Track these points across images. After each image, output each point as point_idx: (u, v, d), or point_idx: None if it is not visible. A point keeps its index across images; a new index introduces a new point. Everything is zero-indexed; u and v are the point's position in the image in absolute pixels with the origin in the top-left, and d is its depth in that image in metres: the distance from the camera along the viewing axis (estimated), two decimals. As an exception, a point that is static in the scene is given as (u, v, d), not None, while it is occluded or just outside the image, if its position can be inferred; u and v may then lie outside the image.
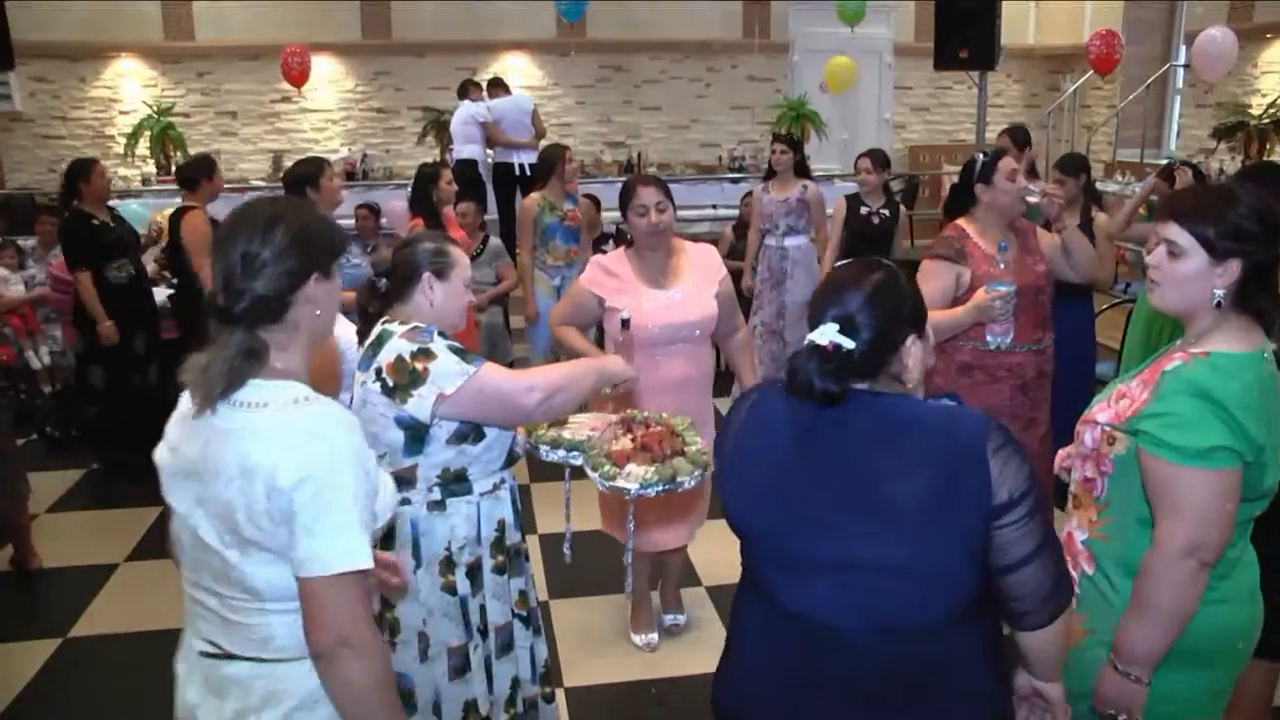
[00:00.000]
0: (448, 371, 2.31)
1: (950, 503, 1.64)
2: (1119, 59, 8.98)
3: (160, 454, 1.77)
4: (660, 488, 2.61)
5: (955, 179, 3.83)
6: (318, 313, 1.73)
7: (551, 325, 3.57)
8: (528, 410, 2.41)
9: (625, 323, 3.11)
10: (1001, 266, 3.44)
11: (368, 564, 1.63)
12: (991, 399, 3.53)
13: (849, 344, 1.69)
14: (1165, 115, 11.06)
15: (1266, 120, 9.07)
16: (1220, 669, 2.05)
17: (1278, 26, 9.27)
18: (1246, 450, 1.87)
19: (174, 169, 6.69)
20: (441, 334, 2.42)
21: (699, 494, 3.62)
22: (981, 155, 3.64)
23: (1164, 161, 9.03)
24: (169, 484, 1.75)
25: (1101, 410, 2.07)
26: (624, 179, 6.08)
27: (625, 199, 3.45)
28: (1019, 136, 5.87)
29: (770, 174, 6.29)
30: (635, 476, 2.65)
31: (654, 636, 3.84)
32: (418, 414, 2.32)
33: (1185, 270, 1.96)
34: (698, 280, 3.46)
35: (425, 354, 2.33)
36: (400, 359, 2.33)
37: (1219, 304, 1.95)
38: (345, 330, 2.97)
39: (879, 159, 6.02)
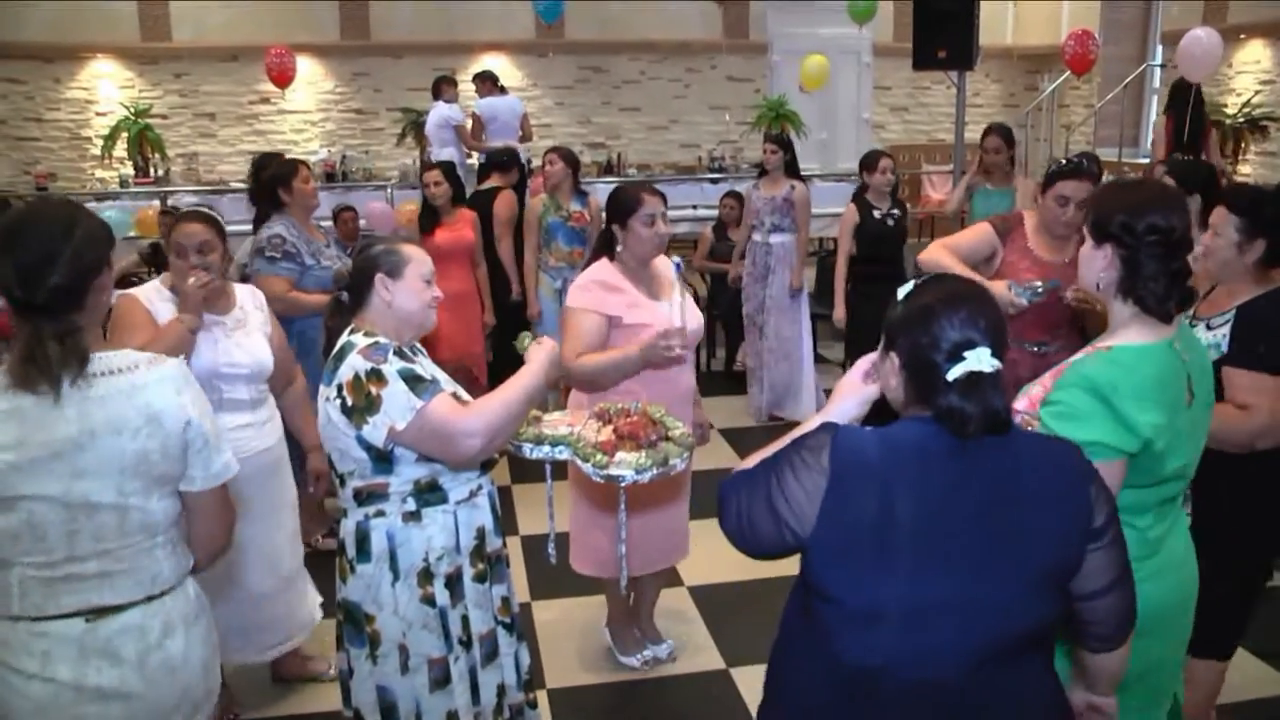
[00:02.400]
0: (398, 404, 2.26)
1: (1058, 528, 1.64)
2: (1094, 59, 9.03)
3: None
4: (654, 472, 2.65)
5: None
6: (104, 298, 2.00)
7: (569, 364, 3.17)
8: (467, 457, 2.33)
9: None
10: (1030, 282, 3.28)
11: (237, 468, 2.12)
12: None
13: (999, 365, 1.61)
14: (1142, 115, 11.13)
15: (1241, 120, 9.14)
16: (1165, 636, 2.14)
17: (1252, 27, 9.34)
18: (1126, 443, 1.96)
19: (487, 156, 6.84)
20: (399, 351, 2.35)
21: (684, 516, 3.62)
22: (1065, 161, 3.45)
23: (1144, 161, 9.11)
24: (21, 480, 1.86)
25: (1020, 400, 2.15)
26: (606, 180, 6.12)
27: (629, 208, 3.25)
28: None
29: (762, 173, 6.34)
30: (629, 463, 2.67)
31: (648, 653, 3.73)
32: (374, 441, 2.30)
33: (1082, 251, 2.15)
34: (679, 290, 3.37)
35: (377, 377, 2.28)
36: (357, 378, 2.28)
37: (1098, 285, 2.10)
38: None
39: (893, 161, 5.98)
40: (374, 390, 2.26)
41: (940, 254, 3.48)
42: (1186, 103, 7.31)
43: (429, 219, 5.61)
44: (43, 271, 1.86)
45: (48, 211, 1.98)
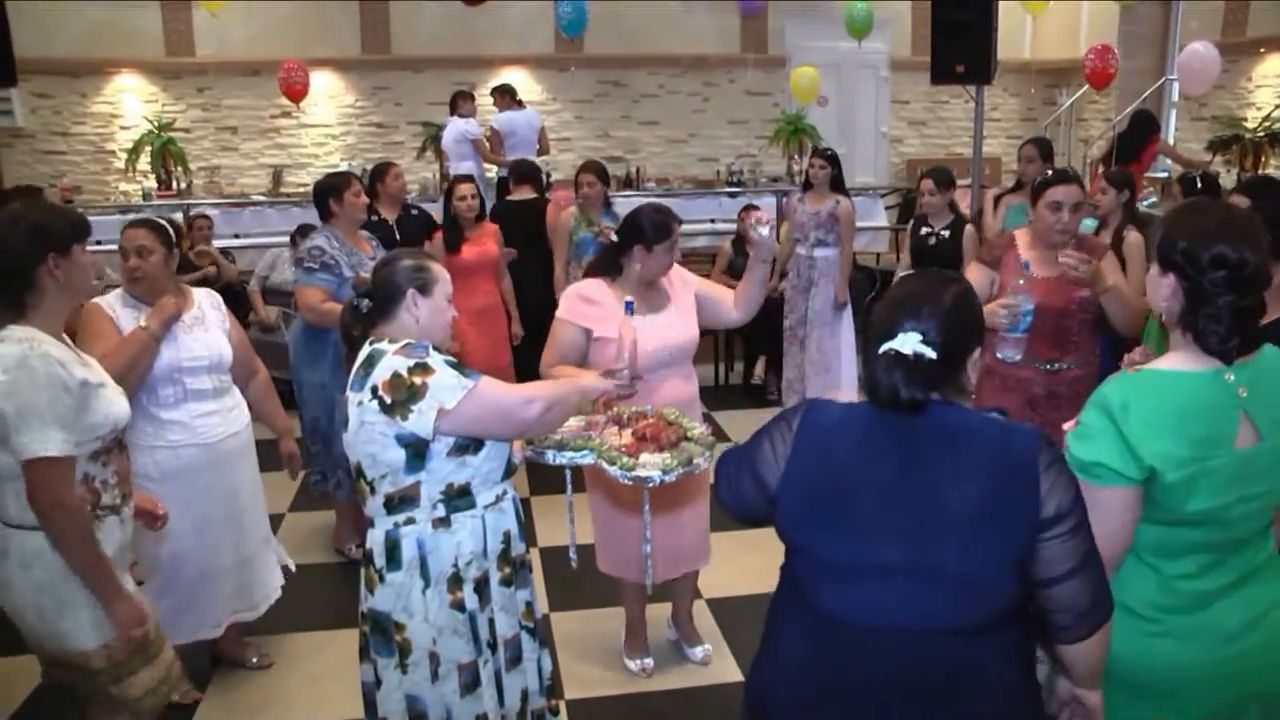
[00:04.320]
0: (447, 385, 2.32)
1: (999, 513, 1.71)
2: (1114, 73, 9.01)
3: None
4: (679, 471, 2.75)
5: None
6: (64, 283, 2.40)
7: (541, 370, 3.34)
8: (528, 422, 2.43)
9: (630, 306, 3.05)
10: (1020, 282, 3.38)
11: (56, 453, 2.30)
12: (1003, 405, 3.56)
13: (930, 354, 1.74)
14: (1161, 129, 11.08)
15: (1261, 134, 9.11)
16: (1168, 704, 1.97)
17: (1271, 40, 9.32)
18: (1128, 469, 1.86)
19: (511, 169, 7.01)
20: (435, 348, 2.42)
21: (705, 517, 3.64)
22: (1051, 173, 3.56)
23: (1162, 175, 9.08)
24: None
25: (1069, 423, 2.09)
26: (626, 194, 6.15)
27: (658, 238, 3.30)
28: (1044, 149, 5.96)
29: (807, 186, 6.39)
30: (655, 464, 2.76)
31: (649, 661, 3.78)
32: (419, 430, 2.32)
33: (1149, 275, 2.03)
34: (681, 302, 3.46)
35: (423, 369, 2.33)
36: (397, 375, 2.32)
37: (1161, 315, 2.00)
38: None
39: (942, 179, 5.87)
40: (419, 380, 2.31)
41: None
42: (1142, 131, 7.71)
43: (455, 235, 5.55)
44: None
45: (9, 210, 2.46)
